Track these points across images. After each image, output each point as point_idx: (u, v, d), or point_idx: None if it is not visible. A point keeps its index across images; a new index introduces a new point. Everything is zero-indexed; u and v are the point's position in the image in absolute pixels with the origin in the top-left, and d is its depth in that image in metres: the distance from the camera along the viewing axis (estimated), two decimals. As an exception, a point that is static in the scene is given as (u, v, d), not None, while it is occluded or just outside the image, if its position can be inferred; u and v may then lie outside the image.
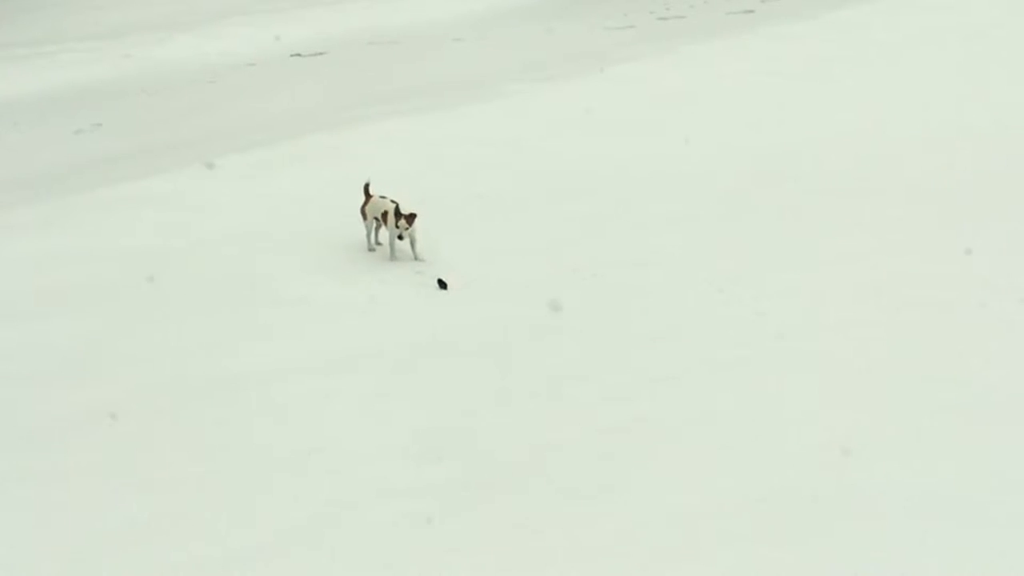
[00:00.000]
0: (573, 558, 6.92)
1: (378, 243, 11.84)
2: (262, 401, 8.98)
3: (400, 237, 11.43)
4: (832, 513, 7.16)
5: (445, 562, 6.95)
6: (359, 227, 11.87)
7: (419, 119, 15.86)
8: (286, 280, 11.14)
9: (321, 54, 21.37)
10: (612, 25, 22.91)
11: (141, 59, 21.24)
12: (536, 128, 15.50)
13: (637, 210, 12.57)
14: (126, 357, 9.78)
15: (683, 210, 12.51)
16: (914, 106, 15.98)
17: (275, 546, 7.20)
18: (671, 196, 12.94)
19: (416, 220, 11.43)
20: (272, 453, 8.24)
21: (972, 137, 14.50)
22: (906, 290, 10.32)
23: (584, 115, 15.99)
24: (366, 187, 11.86)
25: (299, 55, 21.39)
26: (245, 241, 11.92)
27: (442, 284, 10.95)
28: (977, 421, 8.17)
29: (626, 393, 8.84)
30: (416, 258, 11.56)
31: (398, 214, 11.32)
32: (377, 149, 14.60)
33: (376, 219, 11.69)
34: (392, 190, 11.97)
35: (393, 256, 11.58)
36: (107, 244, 11.94)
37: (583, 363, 9.40)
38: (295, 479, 7.91)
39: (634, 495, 7.52)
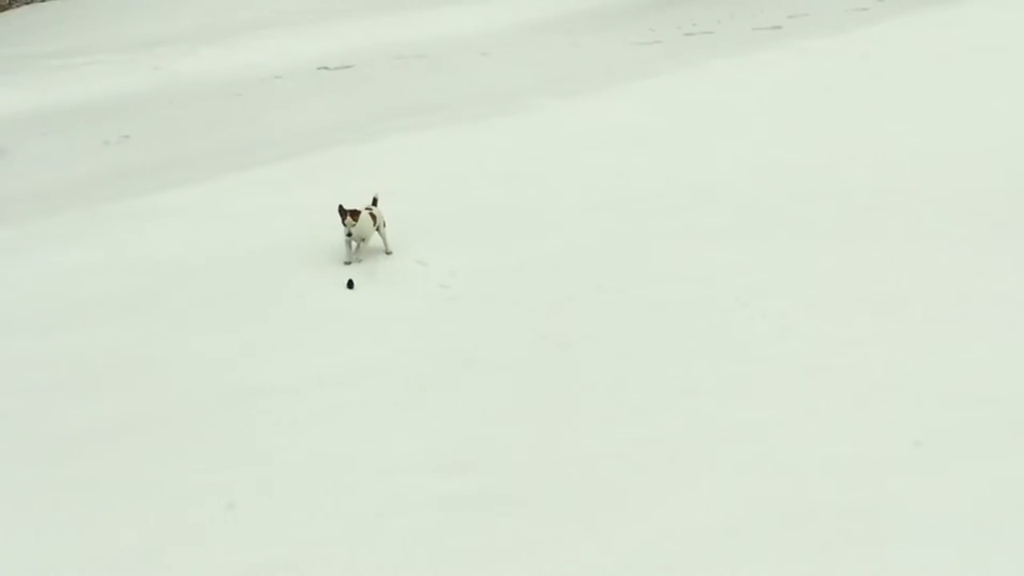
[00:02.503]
0: (594, 572, 6.91)
1: (388, 252, 11.87)
2: (284, 413, 8.99)
3: (349, 234, 11.47)
4: (858, 529, 7.14)
5: (467, 574, 6.95)
6: (380, 240, 11.89)
7: (444, 132, 15.87)
8: (310, 292, 11.15)
9: (348, 67, 21.39)
10: (639, 40, 22.88)
11: (169, 71, 21.29)
12: (561, 142, 15.50)
13: (661, 224, 12.55)
14: (152, 368, 9.81)
15: (708, 224, 12.48)
16: (942, 122, 15.92)
17: (296, 558, 7.21)
18: (696, 210, 12.91)
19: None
20: (294, 465, 8.25)
21: (1000, 153, 14.44)
22: (933, 306, 10.29)
23: (611, 129, 15.98)
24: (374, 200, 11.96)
25: (326, 68, 21.41)
26: (270, 253, 11.94)
27: (350, 284, 11.09)
28: (1004, 437, 8.14)
29: (648, 407, 8.83)
30: (387, 252, 11.85)
31: (343, 212, 11.36)
32: (402, 162, 14.62)
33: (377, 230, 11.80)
34: (415, 202, 12.00)
35: (350, 257, 11.64)
36: (134, 255, 11.98)
37: (606, 376, 9.39)
38: (315, 491, 7.93)
39: (657, 509, 7.51)
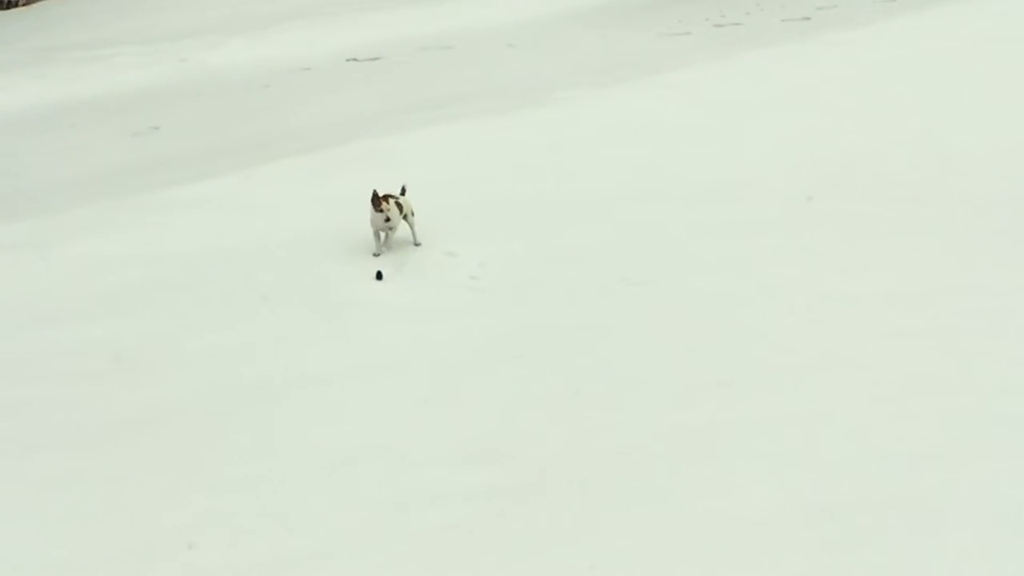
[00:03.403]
0: (626, 564, 6.90)
1: (417, 243, 11.88)
2: (313, 404, 8.99)
3: (387, 219, 11.46)
4: (891, 522, 7.10)
5: (497, 567, 6.95)
6: (408, 231, 11.90)
7: (472, 124, 15.85)
8: (339, 284, 11.16)
9: (376, 59, 21.41)
10: (667, 32, 22.84)
11: (197, 63, 21.35)
12: (590, 134, 15.47)
13: (690, 217, 12.51)
14: (180, 359, 9.82)
15: (737, 217, 12.43)
16: (974, 114, 15.83)
17: (326, 549, 7.21)
18: (725, 204, 12.86)
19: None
20: (322, 456, 8.25)
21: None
22: (965, 299, 10.21)
23: (640, 121, 15.94)
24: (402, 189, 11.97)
25: (354, 60, 21.44)
26: (299, 244, 11.95)
27: (379, 276, 11.13)
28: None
29: (677, 399, 8.80)
30: (416, 243, 11.87)
31: (376, 199, 11.36)
32: (431, 153, 14.62)
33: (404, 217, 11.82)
34: (444, 194, 12.00)
35: (379, 249, 11.66)
36: (163, 246, 12.01)
37: (634, 369, 9.36)
38: (344, 483, 7.92)
39: (688, 501, 7.48)
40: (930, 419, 8.29)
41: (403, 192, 11.91)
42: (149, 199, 13.27)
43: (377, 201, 11.39)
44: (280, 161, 14.45)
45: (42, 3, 29.72)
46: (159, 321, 10.47)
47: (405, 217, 11.75)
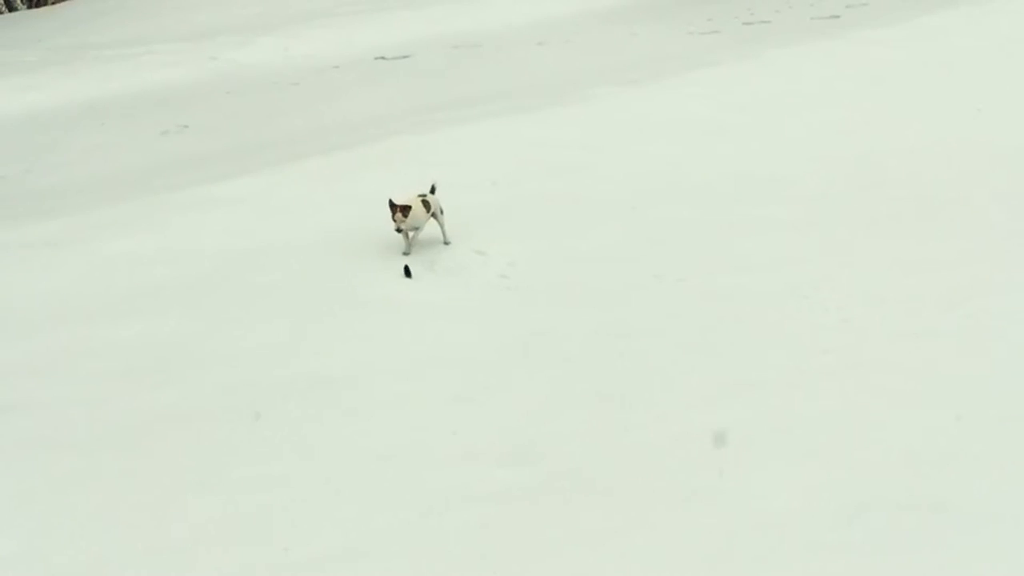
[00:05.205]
0: (658, 565, 6.87)
1: (447, 242, 11.87)
2: (343, 403, 8.98)
3: (399, 230, 11.43)
4: (923, 523, 7.06)
5: (529, 568, 6.92)
6: (438, 231, 11.88)
7: (502, 122, 15.84)
8: (368, 282, 11.15)
9: (405, 57, 21.41)
10: (696, 29, 22.80)
11: (226, 61, 21.39)
12: (620, 132, 15.44)
13: (721, 216, 12.48)
14: (210, 357, 9.83)
15: (768, 216, 12.40)
16: (1004, 114, 15.75)
17: (355, 550, 7.20)
18: (756, 202, 12.83)
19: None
20: (352, 456, 8.24)
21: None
22: (993, 300, 10.17)
23: (669, 119, 15.91)
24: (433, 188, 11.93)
25: (383, 58, 21.45)
26: (328, 242, 11.95)
27: (407, 272, 11.12)
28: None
29: (710, 399, 8.77)
30: (445, 242, 11.86)
31: (393, 207, 11.35)
32: (460, 152, 14.61)
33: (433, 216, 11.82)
34: (474, 192, 11.97)
35: (408, 249, 11.63)
36: (192, 245, 12.02)
37: (666, 369, 9.34)
38: (375, 482, 7.91)
39: (720, 502, 7.45)
40: (961, 420, 8.24)
41: (433, 190, 11.90)
42: (177, 198, 13.29)
43: (393, 208, 11.35)
44: (309, 159, 14.46)
45: (71, 1, 29.87)
46: (186, 320, 10.48)
47: (434, 215, 11.74)
